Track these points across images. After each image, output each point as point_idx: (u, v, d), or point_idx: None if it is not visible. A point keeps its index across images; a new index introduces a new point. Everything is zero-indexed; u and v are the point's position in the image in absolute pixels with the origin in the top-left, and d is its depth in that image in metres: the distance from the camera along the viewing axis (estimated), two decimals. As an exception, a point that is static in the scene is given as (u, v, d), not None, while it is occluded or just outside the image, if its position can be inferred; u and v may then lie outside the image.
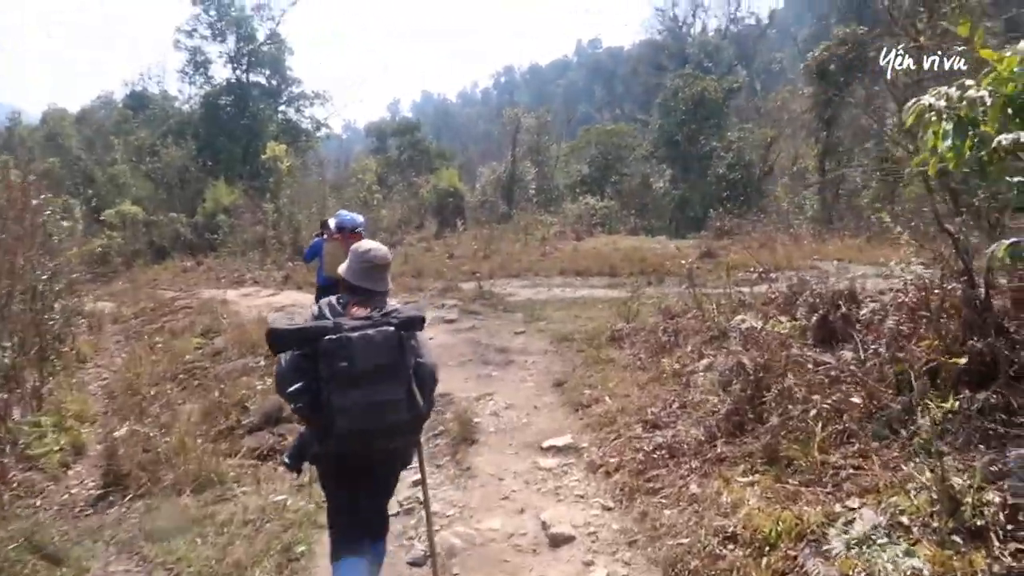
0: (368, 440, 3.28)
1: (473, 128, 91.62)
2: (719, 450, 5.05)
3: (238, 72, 44.09)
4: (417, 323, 3.45)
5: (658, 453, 5.32)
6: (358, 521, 3.57)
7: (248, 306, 15.70)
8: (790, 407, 4.88)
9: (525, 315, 12.67)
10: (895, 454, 4.16)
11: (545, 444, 6.42)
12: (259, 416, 8.07)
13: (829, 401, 4.65)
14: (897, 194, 25.37)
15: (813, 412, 4.62)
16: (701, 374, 6.50)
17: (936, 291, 5.04)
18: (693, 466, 4.99)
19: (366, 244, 3.86)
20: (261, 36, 44.61)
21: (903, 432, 4.31)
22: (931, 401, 4.24)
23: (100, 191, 39.01)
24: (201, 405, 8.76)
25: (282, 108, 47.70)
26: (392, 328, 3.27)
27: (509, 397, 8.09)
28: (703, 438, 5.25)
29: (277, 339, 3.27)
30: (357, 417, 3.17)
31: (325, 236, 9.67)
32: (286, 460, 3.60)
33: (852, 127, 29.11)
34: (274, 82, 47.77)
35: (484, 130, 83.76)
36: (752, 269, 16.77)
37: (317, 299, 6.85)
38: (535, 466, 6.05)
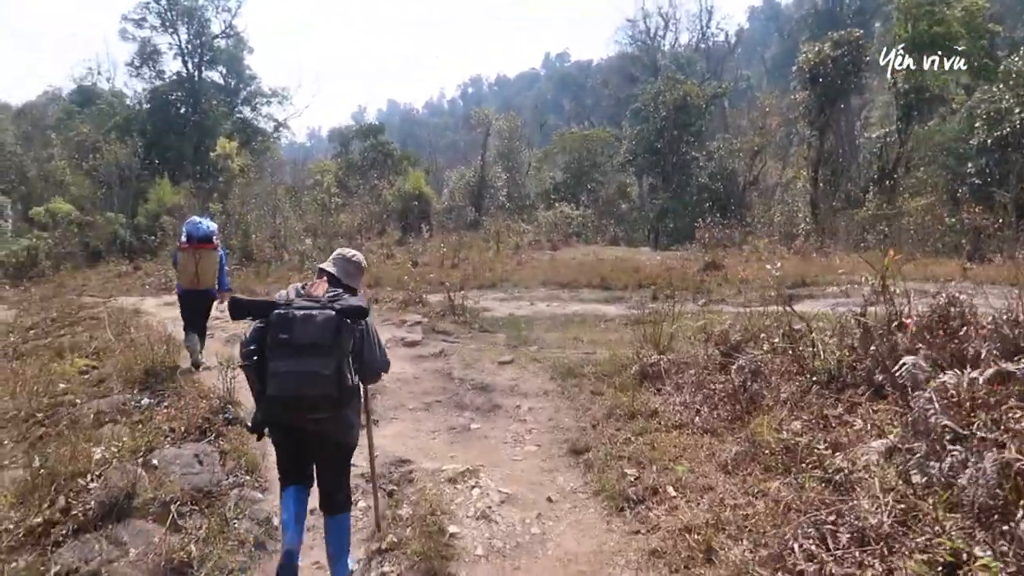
0: (294, 406, 3.44)
1: (440, 138, 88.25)
2: None
3: (190, 66, 40.41)
4: (357, 312, 3.55)
5: None
6: (301, 471, 3.78)
7: (163, 318, 12.34)
8: None
9: (509, 336, 9.62)
10: None
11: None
12: (98, 503, 4.85)
13: None
14: (902, 207, 22.97)
15: None
16: (875, 468, 3.47)
17: None
18: None
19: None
20: (216, 28, 41.05)
21: None
22: None
23: (34, 189, 35.17)
24: (25, 475, 5.53)
25: (239, 108, 44.09)
26: (333, 312, 3.42)
27: (503, 474, 5.03)
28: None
29: (235, 307, 3.61)
30: (287, 383, 3.36)
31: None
32: (247, 424, 3.82)
33: (848, 136, 26.76)
34: (232, 81, 44.24)
35: (451, 140, 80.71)
36: (769, 284, 14.11)
37: (181, 310, 8.38)
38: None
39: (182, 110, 40.02)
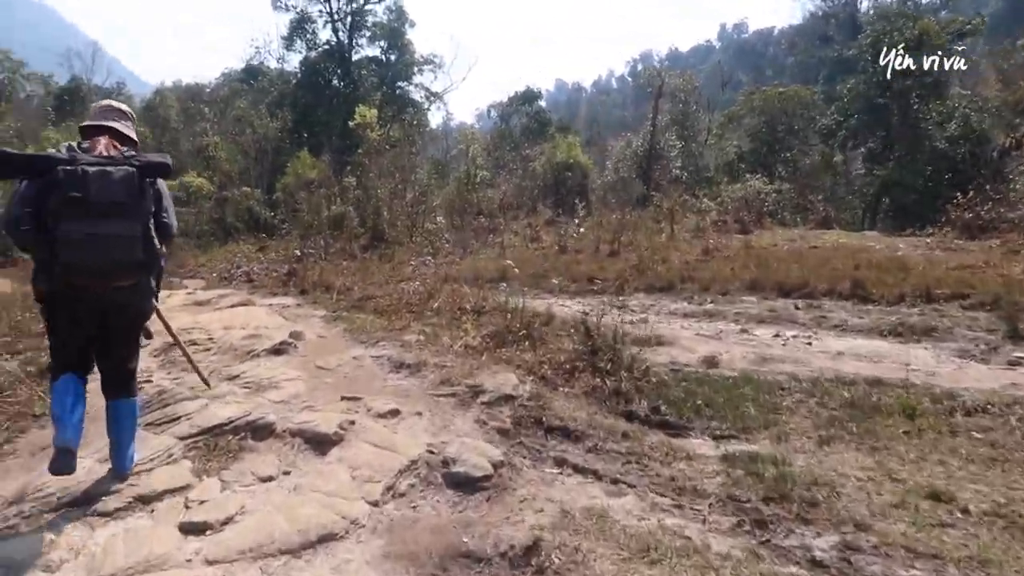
0: (99, 274, 2.89)
1: (607, 116, 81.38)
2: None
3: (341, 34, 36.54)
4: (159, 168, 3.08)
5: None
6: (84, 351, 3.14)
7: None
8: None
9: (726, 457, 3.49)
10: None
11: None
12: None
13: None
14: None
15: None
16: None
17: None
18: None
19: None
20: (369, -8, 36.87)
21: None
22: None
23: (186, 163, 32.74)
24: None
25: (395, 80, 39.90)
26: (133, 168, 2.93)
27: None
28: None
29: (1, 162, 2.84)
30: (88, 248, 2.80)
31: None
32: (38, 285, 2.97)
33: None
34: (392, 55, 40.19)
35: (618, 117, 73.96)
36: None
37: None
38: None
39: (332, 81, 36.35)
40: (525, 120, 32.44)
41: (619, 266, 11.88)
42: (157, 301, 6.36)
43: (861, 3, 53.37)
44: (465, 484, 3.18)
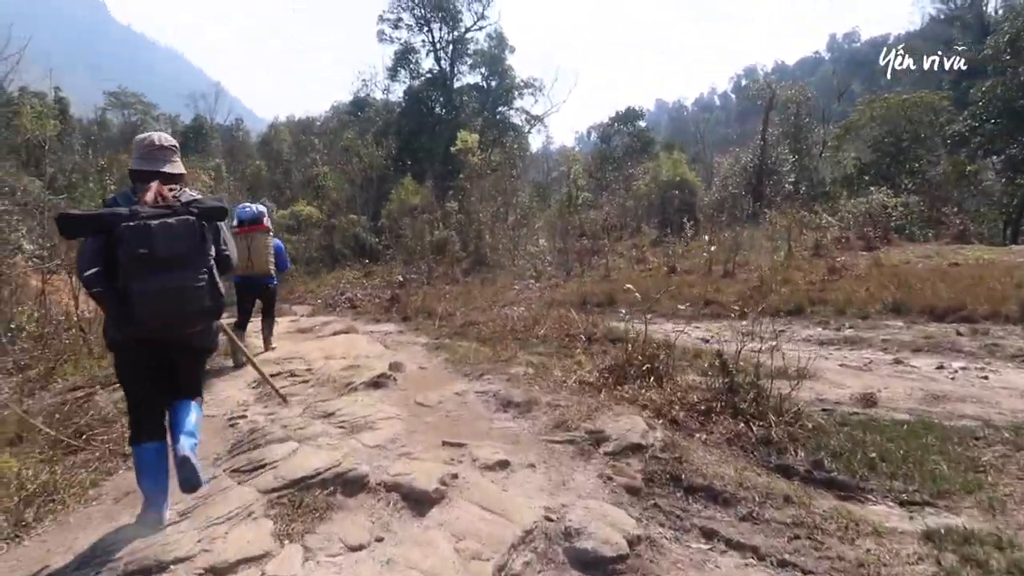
0: (168, 326, 2.92)
1: (711, 134, 79.12)
2: None
3: (443, 63, 36.98)
4: (217, 213, 3.06)
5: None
6: (158, 409, 3.14)
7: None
8: None
9: (927, 529, 2.68)
10: None
11: None
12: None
13: None
14: None
15: None
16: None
17: None
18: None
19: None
20: (468, 20, 37.24)
21: None
22: None
23: (296, 192, 33.83)
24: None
25: (496, 106, 39.97)
26: (192, 217, 2.91)
27: None
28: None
29: (67, 224, 2.82)
30: (157, 303, 2.82)
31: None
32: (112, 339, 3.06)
33: None
34: (493, 83, 40.38)
35: (722, 134, 71.63)
36: None
37: (238, 302, 7.15)
38: None
39: (435, 109, 36.80)
40: (627, 140, 31.64)
41: (736, 288, 10.99)
42: (272, 331, 7.57)
43: (987, 3, 49.71)
44: (594, 565, 2.54)
